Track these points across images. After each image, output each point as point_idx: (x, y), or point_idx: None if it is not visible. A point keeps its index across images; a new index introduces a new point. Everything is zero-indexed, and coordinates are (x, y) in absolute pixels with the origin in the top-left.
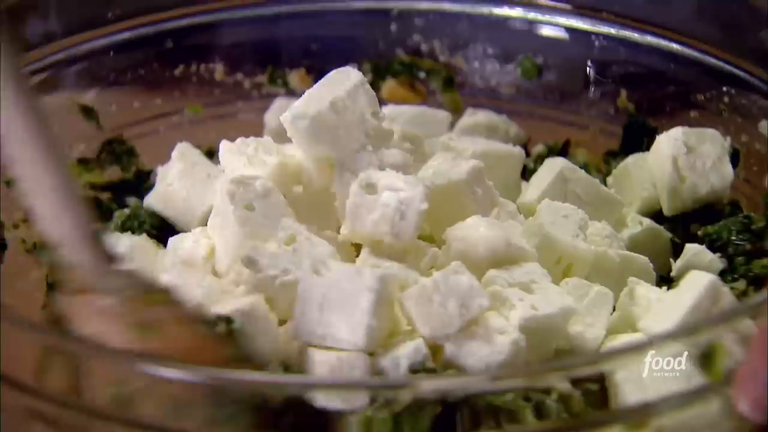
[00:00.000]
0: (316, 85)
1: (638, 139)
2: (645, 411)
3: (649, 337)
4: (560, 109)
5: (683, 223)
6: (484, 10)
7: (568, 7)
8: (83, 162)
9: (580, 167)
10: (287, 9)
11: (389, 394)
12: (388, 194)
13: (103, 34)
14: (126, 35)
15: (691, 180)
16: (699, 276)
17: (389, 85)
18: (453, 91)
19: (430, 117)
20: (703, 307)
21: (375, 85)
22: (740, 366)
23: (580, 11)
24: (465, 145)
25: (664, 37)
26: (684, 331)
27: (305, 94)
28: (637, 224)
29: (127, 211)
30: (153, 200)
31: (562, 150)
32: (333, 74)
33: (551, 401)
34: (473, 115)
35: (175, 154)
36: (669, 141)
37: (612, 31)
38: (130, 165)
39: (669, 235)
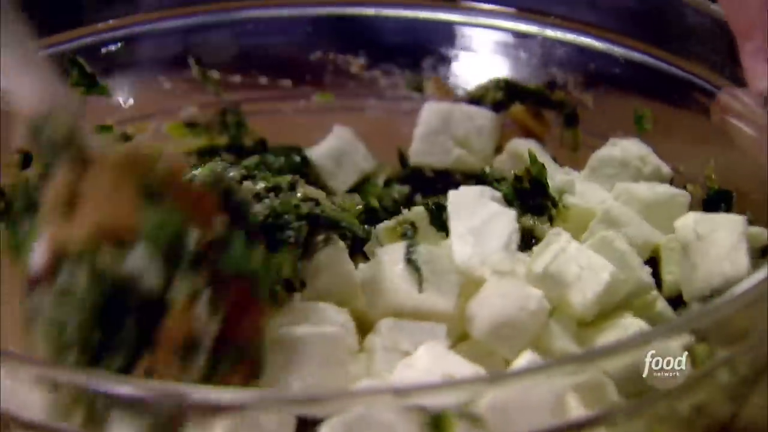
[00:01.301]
0: None
1: None
2: None
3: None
4: None
5: None
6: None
7: None
8: (191, 125)
9: None
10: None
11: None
12: None
13: (245, 6)
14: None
15: (704, 269)
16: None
17: (516, 110)
18: (575, 129)
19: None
20: None
21: (504, 105)
22: None
23: None
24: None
25: None
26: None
27: None
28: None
29: None
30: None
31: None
32: None
33: None
34: (613, 146)
35: None
36: (681, 227)
37: None
38: (239, 136)
39: None
